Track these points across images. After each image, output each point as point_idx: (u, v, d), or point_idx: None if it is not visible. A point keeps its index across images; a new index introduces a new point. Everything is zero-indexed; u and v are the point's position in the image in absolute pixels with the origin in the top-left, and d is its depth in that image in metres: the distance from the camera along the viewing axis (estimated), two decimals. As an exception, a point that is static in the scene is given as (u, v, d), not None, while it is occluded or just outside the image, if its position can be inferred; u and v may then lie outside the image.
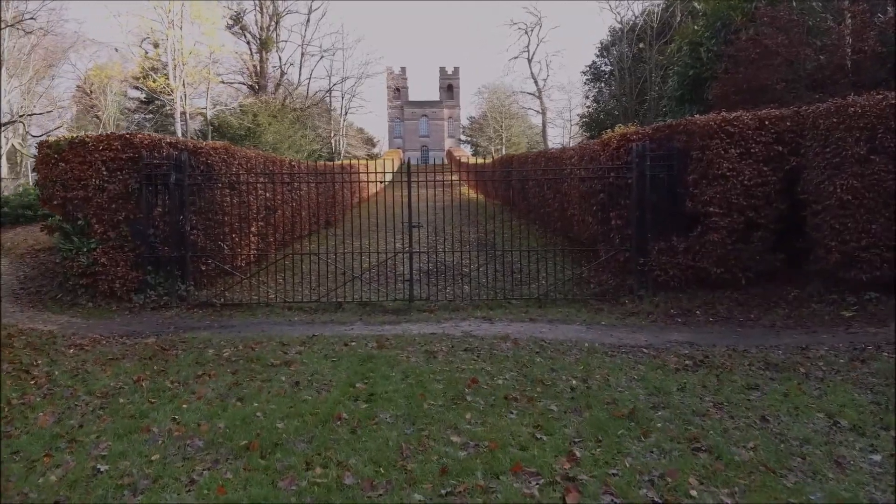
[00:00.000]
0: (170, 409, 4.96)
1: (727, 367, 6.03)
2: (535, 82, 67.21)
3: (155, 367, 6.18)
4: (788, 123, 9.54)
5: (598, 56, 22.71)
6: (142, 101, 45.93)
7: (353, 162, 30.57)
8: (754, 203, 9.45)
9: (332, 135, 57.15)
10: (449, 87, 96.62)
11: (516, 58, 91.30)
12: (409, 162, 10.72)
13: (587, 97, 22.61)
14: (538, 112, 69.12)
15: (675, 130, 10.23)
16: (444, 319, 9.03)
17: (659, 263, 10.00)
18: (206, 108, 31.05)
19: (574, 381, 5.44)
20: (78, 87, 48.04)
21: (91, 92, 44.68)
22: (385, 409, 4.82)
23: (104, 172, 10.15)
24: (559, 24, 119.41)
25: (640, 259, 10.18)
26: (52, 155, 10.17)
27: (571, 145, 15.81)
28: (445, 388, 5.29)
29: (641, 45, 17.25)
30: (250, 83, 48.51)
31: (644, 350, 6.82)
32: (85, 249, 10.07)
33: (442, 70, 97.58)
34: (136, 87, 45.73)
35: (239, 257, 11.75)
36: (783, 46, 13.27)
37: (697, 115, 10.32)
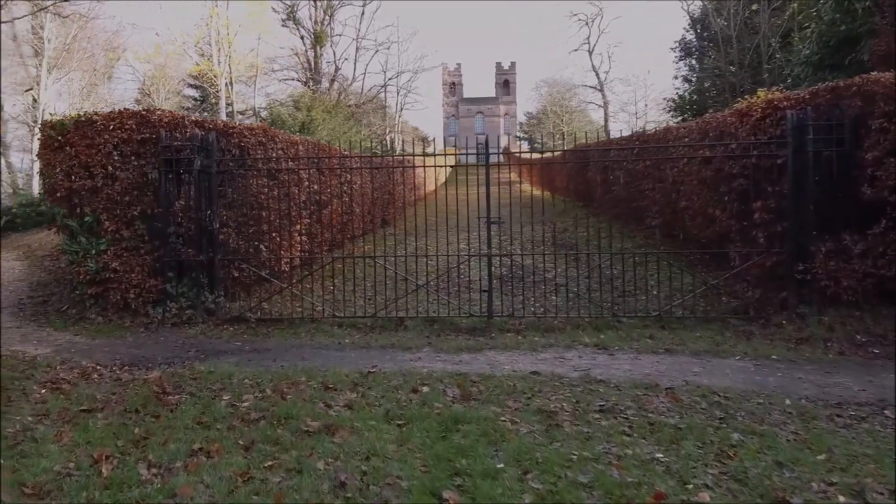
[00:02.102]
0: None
1: None
2: (597, 75, 64.15)
3: (136, 431, 4.12)
4: None
5: (687, 30, 19.94)
6: (196, 100, 45.32)
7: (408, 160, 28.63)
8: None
9: (387, 131, 55.53)
10: (505, 83, 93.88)
11: (576, 50, 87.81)
12: (486, 140, 8.48)
13: (676, 77, 19.96)
14: (599, 106, 66.06)
15: (843, 93, 7.67)
16: (541, 346, 6.74)
17: (826, 270, 7.43)
18: (253, 96, 29.50)
19: (842, 499, 3.06)
20: (139, 89, 47.94)
21: (150, 94, 44.33)
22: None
23: (116, 157, 8.30)
24: (621, 15, 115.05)
25: (798, 264, 7.63)
26: (55, 137, 8.38)
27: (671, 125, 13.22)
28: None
29: (755, 7, 14.58)
30: (304, 79, 47.31)
31: (885, 413, 4.36)
32: (93, 252, 8.23)
33: (498, 65, 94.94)
34: (192, 86, 45.30)
35: (280, 261, 9.75)
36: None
37: (872, 74, 7.73)
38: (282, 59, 47.40)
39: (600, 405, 4.43)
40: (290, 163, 9.74)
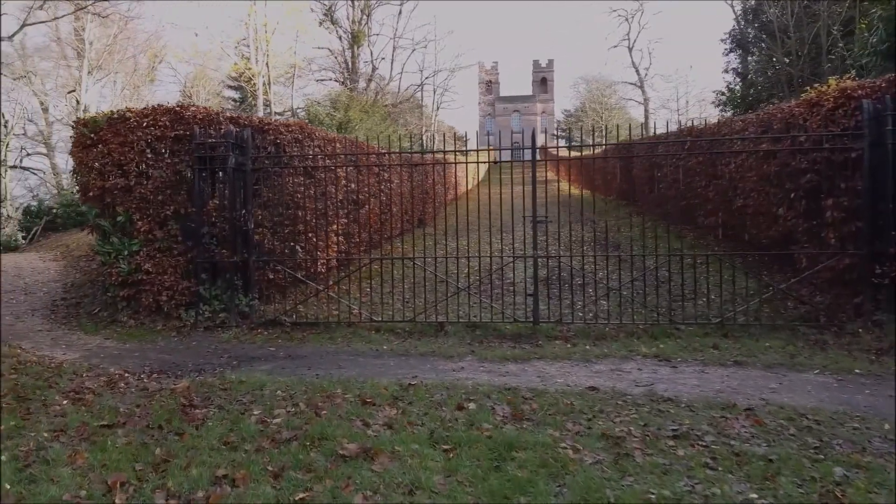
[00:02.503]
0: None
1: None
2: (637, 71, 62.81)
3: (158, 452, 3.75)
4: None
5: (738, 21, 18.86)
6: (235, 101, 45.70)
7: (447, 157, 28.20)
8: None
9: (424, 130, 55.19)
10: (543, 81, 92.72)
11: (615, 46, 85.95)
12: (533, 131, 7.98)
13: (726, 70, 19.01)
14: (639, 103, 64.66)
15: (929, 80, 6.95)
16: (594, 357, 6.21)
17: (907, 274, 6.74)
18: (291, 97, 29.40)
19: None
20: (181, 91, 48.60)
21: (191, 95, 44.86)
22: None
23: (149, 155, 8.06)
24: (661, 10, 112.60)
25: (874, 267, 6.94)
26: (87, 135, 8.19)
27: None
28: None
29: (814, -7, 13.72)
30: (342, 79, 47.31)
31: None
32: (126, 252, 8.01)
33: (535, 63, 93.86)
34: (232, 87, 45.71)
35: (317, 262, 9.41)
36: None
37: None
38: (320, 59, 47.58)
39: (673, 430, 3.89)
40: (327, 160, 9.38)
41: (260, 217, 8.39)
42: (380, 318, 7.91)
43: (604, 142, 9.48)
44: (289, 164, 8.70)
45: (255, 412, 4.56)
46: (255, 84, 26.24)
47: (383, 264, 9.32)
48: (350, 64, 46.92)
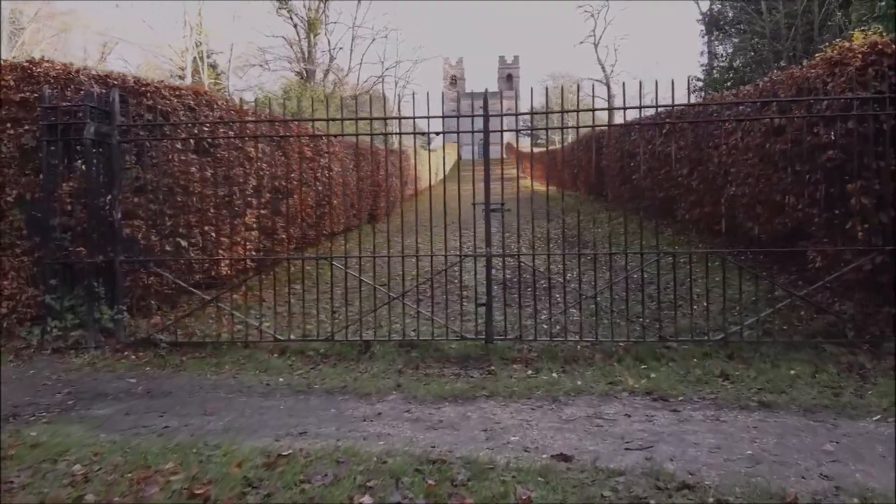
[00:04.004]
0: None
1: None
2: (602, 68, 62.00)
3: None
4: None
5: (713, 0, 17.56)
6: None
7: (406, 149, 26.36)
8: None
9: (385, 126, 53.11)
10: (508, 77, 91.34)
11: (582, 43, 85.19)
12: (485, 94, 6.24)
13: (702, 53, 17.67)
14: (604, 100, 63.89)
15: None
16: (564, 393, 4.49)
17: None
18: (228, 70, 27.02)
19: None
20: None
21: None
22: None
23: (-20, 123, 6.08)
24: (626, 7, 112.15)
25: (918, 268, 5.42)
26: None
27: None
28: None
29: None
30: (298, 70, 44.93)
31: None
32: (-54, 251, 6.01)
33: (501, 59, 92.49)
34: (181, 77, 43.08)
35: (220, 264, 7.52)
36: None
37: None
38: (275, 48, 45.30)
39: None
40: (227, 130, 7.47)
41: (133, 205, 6.47)
42: (286, 337, 6.07)
43: (575, 122, 7.78)
44: (173, 137, 6.79)
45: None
46: (184, 61, 23.86)
47: (297, 266, 7.43)
48: (306, 54, 44.61)
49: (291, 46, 45.99)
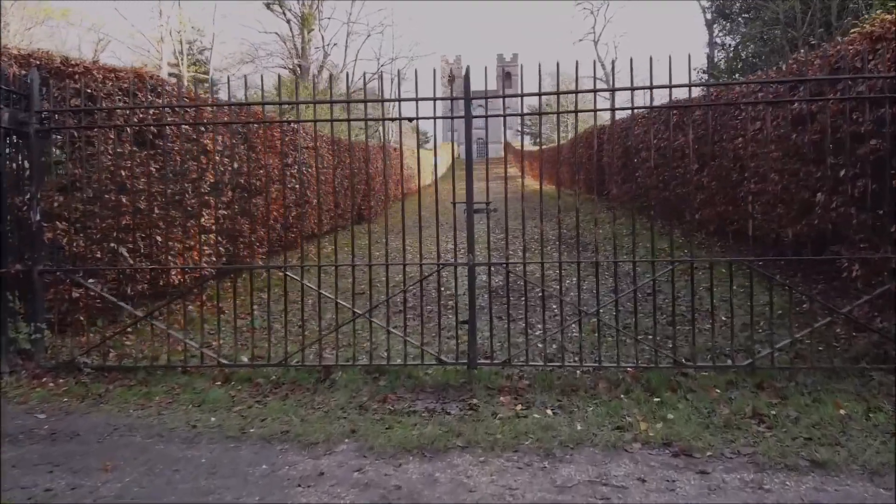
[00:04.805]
0: None
1: None
2: (602, 66, 61.08)
3: None
4: None
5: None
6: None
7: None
8: None
9: (381, 124, 52.13)
10: (507, 76, 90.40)
11: (581, 41, 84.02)
12: (467, 71, 5.30)
13: (711, 44, 16.66)
14: (605, 98, 62.97)
15: None
16: (559, 445, 3.56)
17: None
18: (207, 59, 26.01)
19: None
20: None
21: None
22: None
23: None
24: (625, 5, 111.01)
25: None
26: None
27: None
28: None
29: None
30: (291, 66, 43.92)
31: None
32: None
33: (499, 57, 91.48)
34: (174, 75, 42.08)
35: (169, 273, 6.58)
36: None
37: None
38: (268, 44, 44.39)
39: None
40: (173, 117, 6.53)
41: (58, 205, 5.54)
42: (232, 361, 5.13)
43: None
44: (107, 126, 5.85)
45: None
46: (160, 51, 22.85)
47: (254, 276, 6.53)
48: (300, 50, 43.60)
49: (285, 43, 45.06)
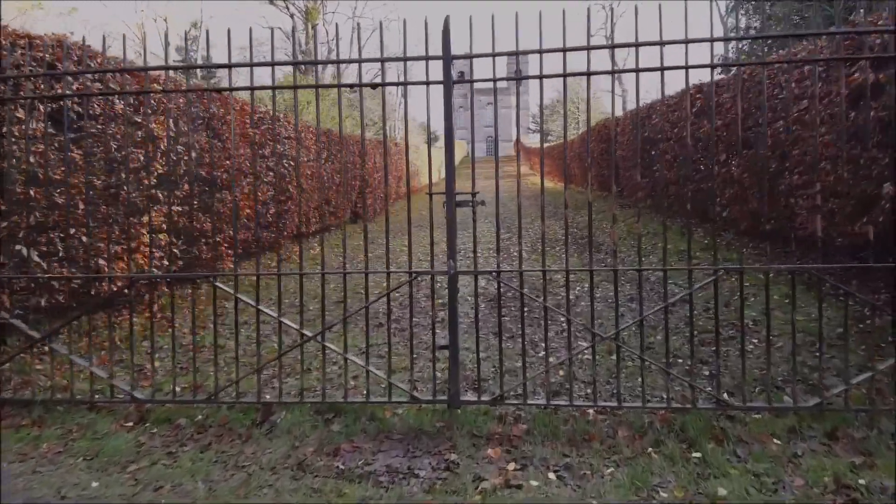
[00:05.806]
0: None
1: None
2: (614, 62, 60.00)
3: None
4: None
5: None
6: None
7: (400, 142, 24.45)
8: None
9: (386, 119, 51.20)
10: (516, 73, 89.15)
11: (593, 36, 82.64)
12: (446, 24, 4.18)
13: (729, 29, 15.49)
14: (618, 95, 61.73)
15: None
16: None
17: None
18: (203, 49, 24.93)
19: None
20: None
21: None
22: None
23: None
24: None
25: None
26: None
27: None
28: None
29: None
30: (294, 60, 42.97)
31: None
32: None
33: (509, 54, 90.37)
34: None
35: (97, 282, 5.50)
36: None
37: None
38: (268, 43, 43.52)
39: None
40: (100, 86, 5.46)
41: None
42: (148, 396, 4.04)
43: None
44: (14, 100, 4.78)
45: None
46: (140, 36, 21.82)
47: (198, 287, 5.45)
48: (303, 45, 42.65)
49: (287, 38, 44.16)
